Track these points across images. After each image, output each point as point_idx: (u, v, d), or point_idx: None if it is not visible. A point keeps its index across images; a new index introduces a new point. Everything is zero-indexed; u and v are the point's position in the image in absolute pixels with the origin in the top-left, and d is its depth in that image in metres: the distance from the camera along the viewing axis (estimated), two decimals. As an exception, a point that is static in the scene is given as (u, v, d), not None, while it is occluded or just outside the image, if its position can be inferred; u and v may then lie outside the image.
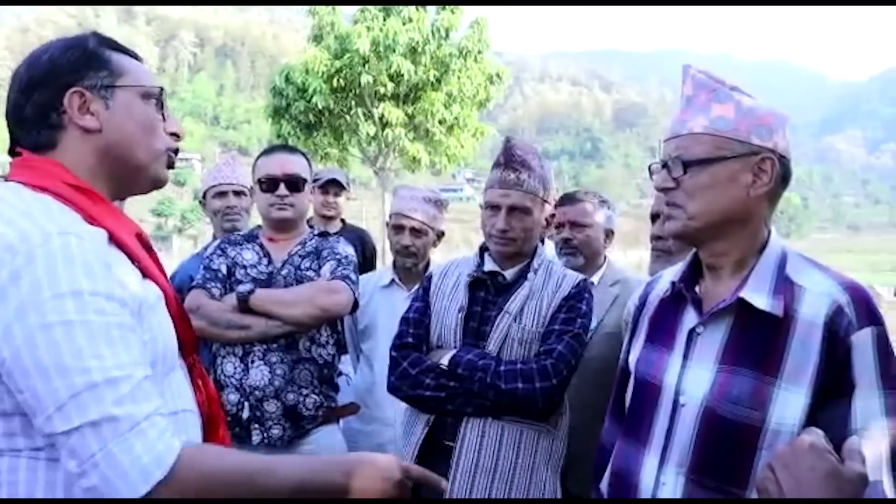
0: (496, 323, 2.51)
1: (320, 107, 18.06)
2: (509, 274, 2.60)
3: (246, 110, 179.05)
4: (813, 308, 1.56)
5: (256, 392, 2.77)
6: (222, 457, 1.35)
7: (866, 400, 1.49)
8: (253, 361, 2.79)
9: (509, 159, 2.58)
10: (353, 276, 2.92)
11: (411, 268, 3.51)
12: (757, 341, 1.59)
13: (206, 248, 3.70)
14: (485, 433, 2.42)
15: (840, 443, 1.37)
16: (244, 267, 2.93)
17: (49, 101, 1.41)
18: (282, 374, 2.79)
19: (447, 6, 18.02)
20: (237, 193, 3.72)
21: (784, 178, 1.68)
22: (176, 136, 1.58)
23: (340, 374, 3.48)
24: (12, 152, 1.47)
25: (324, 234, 3.10)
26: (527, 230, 2.57)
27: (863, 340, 1.51)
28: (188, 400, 1.53)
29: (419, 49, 17.84)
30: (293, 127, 18.67)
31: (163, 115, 1.54)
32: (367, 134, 18.80)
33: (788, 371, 1.54)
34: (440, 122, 18.69)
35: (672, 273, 1.89)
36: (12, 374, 1.21)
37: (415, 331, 2.61)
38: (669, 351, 1.75)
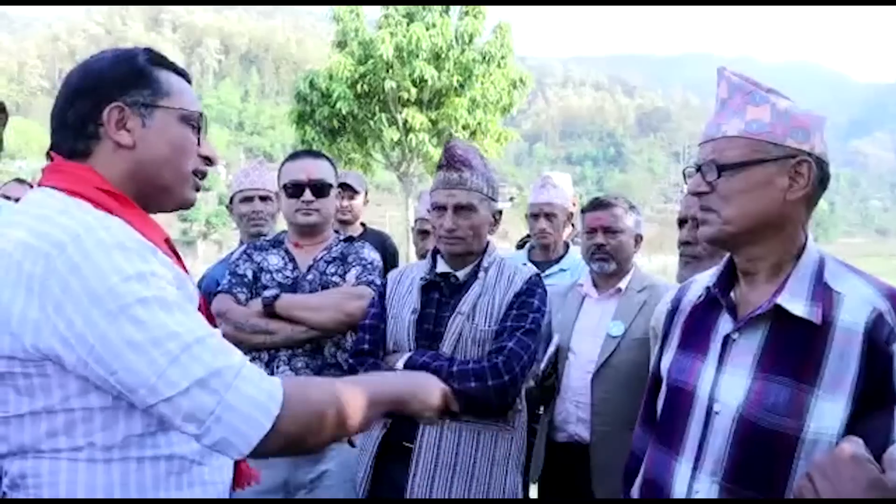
0: (449, 323, 2.54)
1: (344, 112, 18.15)
2: (461, 274, 2.64)
3: (270, 116, 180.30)
4: (852, 315, 1.53)
5: (282, 397, 2.75)
6: (315, 384, 1.49)
7: None
8: (278, 366, 2.78)
9: (451, 160, 2.61)
10: (378, 282, 2.90)
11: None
12: (794, 349, 1.56)
13: (232, 254, 3.72)
14: (443, 434, 2.46)
15: (881, 454, 1.34)
16: (270, 272, 2.93)
17: (89, 112, 1.44)
18: (307, 379, 2.78)
19: (470, 12, 18.03)
20: (263, 199, 3.73)
21: (822, 182, 1.63)
22: (209, 160, 1.60)
23: None
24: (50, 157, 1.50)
25: (349, 240, 3.10)
26: (474, 227, 2.60)
27: None
28: None
29: (443, 54, 17.89)
30: (317, 132, 18.77)
31: (198, 138, 1.56)
32: (391, 139, 18.87)
33: (827, 379, 1.50)
34: (463, 128, 18.71)
35: (706, 278, 1.85)
36: (102, 357, 1.24)
37: (371, 336, 2.64)
38: (703, 357, 1.71)
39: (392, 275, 2.80)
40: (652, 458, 1.83)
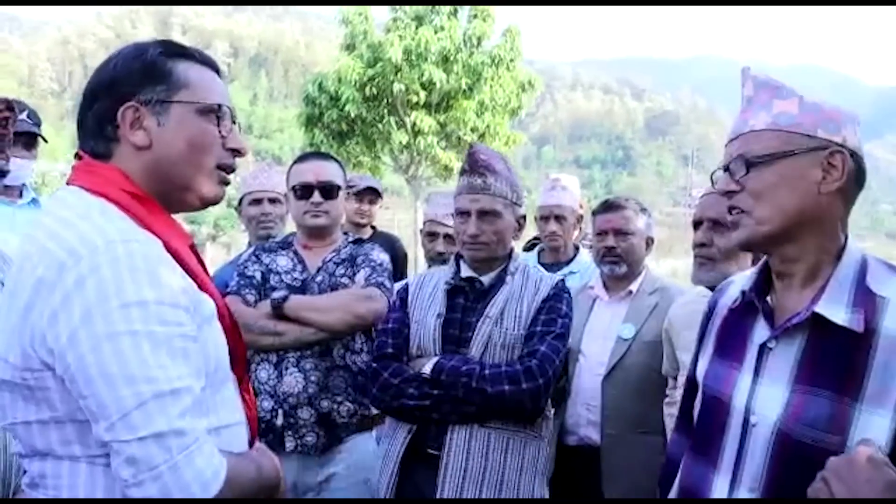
0: (477, 327, 2.52)
1: (353, 115, 18.15)
2: (486, 279, 2.62)
3: (279, 119, 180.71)
4: None
5: (290, 399, 2.75)
6: (245, 466, 1.42)
7: None
8: (287, 368, 2.77)
9: (474, 165, 2.60)
10: (387, 283, 2.90)
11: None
12: (835, 359, 1.47)
13: (240, 256, 3.72)
14: (471, 440, 2.42)
15: None
16: (279, 273, 2.92)
17: (105, 114, 1.41)
18: (316, 381, 2.77)
19: (479, 15, 18.03)
20: (272, 201, 3.73)
21: (858, 178, 1.55)
22: (237, 152, 1.54)
23: None
24: (78, 155, 1.48)
25: (358, 241, 3.09)
26: (498, 233, 2.58)
27: None
28: (240, 413, 1.54)
29: (451, 57, 17.87)
30: (326, 135, 18.78)
31: (221, 130, 1.50)
32: (399, 142, 18.86)
33: (871, 391, 1.41)
34: (472, 131, 18.69)
35: (742, 280, 1.76)
36: (76, 379, 1.22)
37: (394, 341, 2.61)
38: (739, 366, 1.63)
39: (413, 279, 2.79)
40: (688, 467, 1.76)
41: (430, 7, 18.19)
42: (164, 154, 1.43)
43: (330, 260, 2.95)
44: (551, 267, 3.83)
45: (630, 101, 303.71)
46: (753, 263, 2.21)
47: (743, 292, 1.69)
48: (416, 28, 17.84)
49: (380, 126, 18.89)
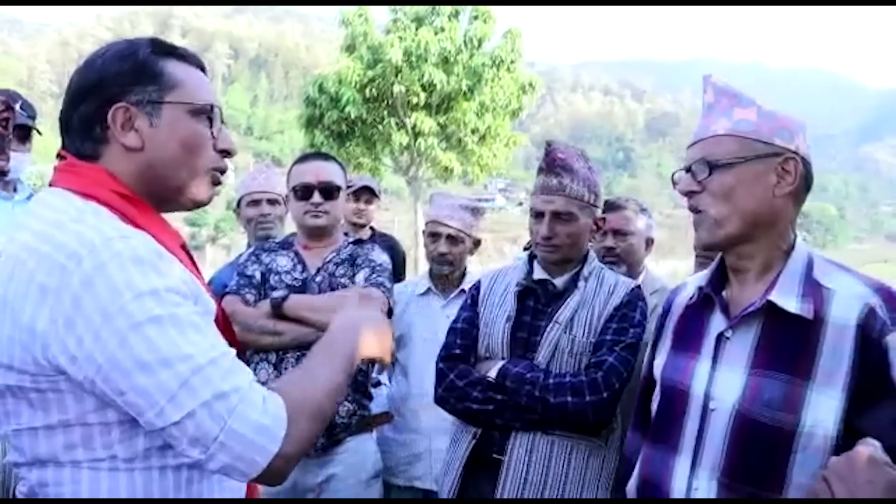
0: (546, 333, 2.45)
1: (353, 116, 18.16)
2: (559, 282, 2.55)
3: (279, 121, 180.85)
4: (844, 310, 1.57)
5: (290, 399, 2.74)
6: (302, 385, 1.38)
7: None
8: (286, 368, 2.77)
9: (551, 164, 2.53)
10: (387, 284, 2.89)
11: (448, 275, 3.47)
12: (787, 344, 1.60)
13: (240, 257, 3.71)
14: (534, 447, 2.37)
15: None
16: (278, 273, 2.92)
17: (94, 114, 1.37)
18: (315, 381, 2.76)
19: (480, 17, 18.04)
20: (271, 202, 3.72)
21: (807, 182, 1.68)
22: (227, 153, 1.52)
23: (379, 383, 3.45)
24: (60, 155, 1.45)
25: (358, 242, 3.08)
26: (572, 236, 2.51)
27: None
28: None
29: (452, 59, 17.88)
30: (326, 137, 18.79)
31: (212, 131, 1.48)
32: (400, 143, 18.87)
33: (821, 373, 1.54)
34: (472, 132, 18.71)
35: (698, 279, 1.88)
36: (110, 377, 1.20)
37: (462, 341, 2.57)
38: (697, 356, 1.75)
39: (486, 277, 2.73)
40: (648, 457, 1.84)
41: (430, 8, 18.21)
42: (157, 156, 1.40)
43: (330, 260, 2.95)
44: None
45: (630, 103, 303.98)
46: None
47: (699, 288, 1.82)
48: (417, 29, 17.87)
49: (380, 127, 18.91)
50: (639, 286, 2.59)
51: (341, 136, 18.94)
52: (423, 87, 17.96)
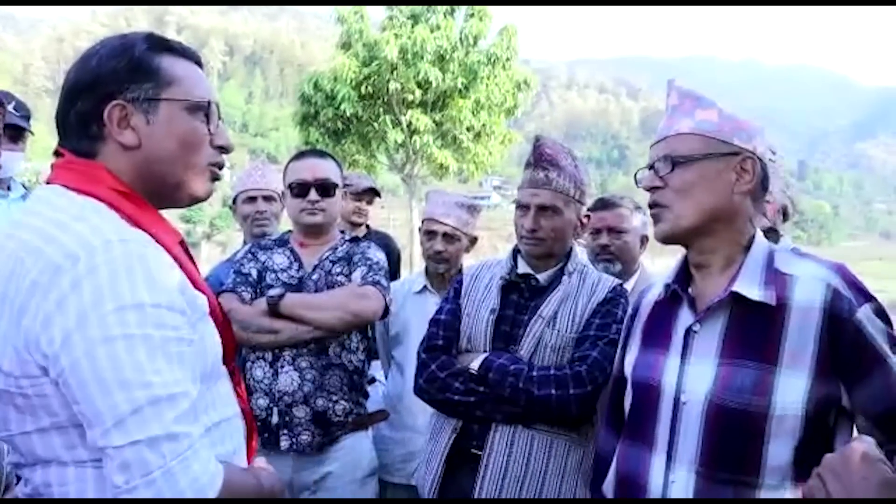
0: (529, 327, 2.46)
1: (348, 114, 18.13)
2: (543, 277, 2.56)
3: (275, 118, 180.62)
4: (807, 294, 1.62)
5: (286, 397, 2.75)
6: (244, 476, 1.41)
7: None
8: (282, 366, 2.77)
9: (538, 158, 2.55)
10: (384, 282, 2.89)
11: (444, 273, 3.47)
12: (754, 333, 1.65)
13: (235, 254, 3.70)
14: (514, 441, 2.37)
15: (886, 414, 1.52)
16: (275, 271, 2.91)
17: (90, 112, 1.36)
18: (311, 379, 2.77)
19: (475, 14, 18.02)
20: (267, 199, 3.72)
21: (763, 181, 1.75)
22: (223, 149, 1.52)
23: (374, 380, 3.45)
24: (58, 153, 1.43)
25: (355, 240, 3.08)
26: (557, 230, 2.52)
27: (866, 316, 1.58)
28: (235, 406, 1.53)
29: (447, 56, 17.86)
30: (321, 134, 18.76)
31: (209, 127, 1.47)
32: (395, 141, 18.84)
33: (787, 357, 1.60)
34: (468, 130, 18.69)
35: (663, 278, 1.94)
36: (69, 383, 1.19)
37: (445, 333, 2.57)
38: (666, 352, 1.79)
39: (469, 271, 2.73)
40: (623, 454, 1.87)
41: (426, 6, 18.17)
42: (155, 153, 1.39)
43: (326, 258, 2.95)
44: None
45: (626, 101, 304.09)
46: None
47: (666, 285, 1.87)
48: (412, 27, 17.83)
49: (375, 125, 18.88)
50: (621, 284, 2.61)
51: (337, 134, 18.91)
52: (419, 85, 17.93)
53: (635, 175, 1.87)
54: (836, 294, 1.59)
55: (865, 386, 1.56)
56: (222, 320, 1.53)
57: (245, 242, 3.71)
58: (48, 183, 1.38)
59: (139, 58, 1.39)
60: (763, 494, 1.59)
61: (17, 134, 3.54)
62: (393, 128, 18.69)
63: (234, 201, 3.84)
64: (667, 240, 1.79)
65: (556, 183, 2.51)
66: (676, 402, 1.71)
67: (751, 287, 1.66)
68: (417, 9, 18.26)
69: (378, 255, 2.98)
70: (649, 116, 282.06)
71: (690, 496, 1.65)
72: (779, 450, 1.58)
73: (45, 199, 1.35)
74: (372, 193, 4.60)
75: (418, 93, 18.05)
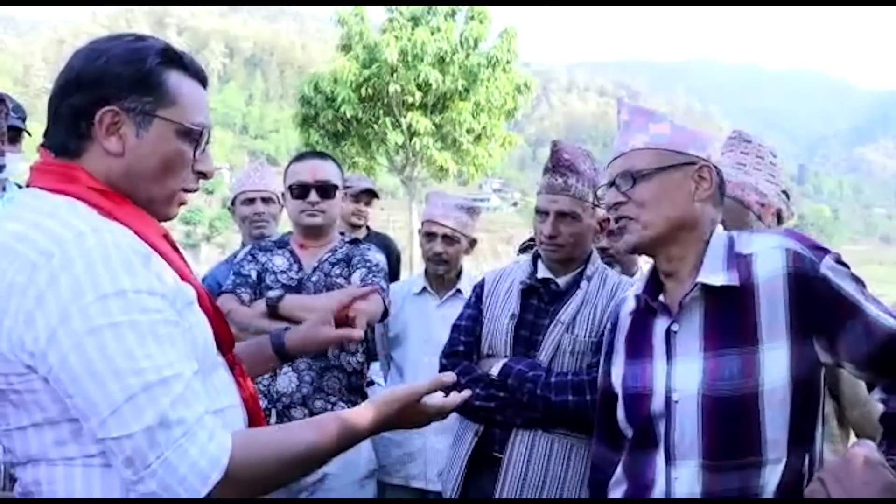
0: (548, 332, 2.47)
1: (348, 116, 18.16)
2: (562, 281, 2.57)
3: (275, 120, 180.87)
4: (769, 264, 1.67)
5: (283, 399, 2.75)
6: (265, 442, 1.35)
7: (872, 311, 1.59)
8: (280, 368, 2.75)
9: (556, 164, 2.55)
10: (383, 284, 2.89)
11: (443, 275, 3.47)
12: (731, 319, 1.68)
13: (234, 255, 3.70)
14: (534, 446, 2.38)
15: (880, 344, 1.54)
16: (274, 273, 2.91)
17: (83, 109, 1.34)
18: (309, 381, 2.77)
19: (476, 17, 18.04)
20: (265, 200, 3.72)
21: (721, 187, 1.80)
22: (204, 175, 1.50)
23: (372, 383, 3.45)
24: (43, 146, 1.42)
25: (355, 241, 3.08)
26: (575, 235, 2.52)
27: (830, 267, 1.62)
28: (233, 396, 1.51)
29: (447, 59, 17.88)
30: (321, 136, 18.78)
31: (195, 153, 1.45)
32: (395, 143, 18.86)
33: (765, 332, 1.64)
34: (468, 132, 18.71)
35: (635, 289, 1.97)
36: (60, 379, 1.19)
37: (466, 338, 2.59)
38: (650, 358, 1.81)
39: (490, 276, 2.74)
40: (630, 461, 1.88)
41: (426, 8, 18.21)
42: (135, 166, 1.37)
43: (326, 260, 2.94)
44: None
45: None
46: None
47: (637, 297, 1.90)
48: (413, 29, 17.85)
49: (375, 127, 18.90)
50: None
51: (336, 136, 18.93)
52: (419, 87, 17.95)
53: (595, 191, 1.92)
54: (795, 256, 1.64)
55: (847, 333, 1.59)
56: (213, 310, 1.51)
57: (243, 244, 3.71)
58: (27, 186, 1.37)
59: (149, 70, 1.36)
60: (768, 470, 1.61)
61: (16, 136, 3.56)
62: (393, 130, 18.71)
63: (233, 202, 3.84)
64: (634, 249, 1.83)
65: (575, 189, 2.51)
66: (668, 402, 1.73)
67: (714, 274, 1.70)
68: (418, 11, 18.28)
69: (378, 257, 2.98)
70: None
71: (697, 491, 1.66)
72: (775, 423, 1.62)
73: (22, 202, 1.34)
74: (370, 195, 4.61)
75: (418, 95, 18.07)
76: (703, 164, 1.75)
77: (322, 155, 3.17)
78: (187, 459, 1.20)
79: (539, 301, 2.56)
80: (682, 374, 1.72)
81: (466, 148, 19.00)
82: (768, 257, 1.68)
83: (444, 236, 3.42)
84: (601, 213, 2.59)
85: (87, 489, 1.26)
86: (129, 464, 1.19)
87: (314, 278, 2.90)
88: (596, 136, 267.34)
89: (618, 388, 1.91)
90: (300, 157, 3.12)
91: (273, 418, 2.74)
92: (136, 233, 1.33)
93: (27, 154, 3.77)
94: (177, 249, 1.48)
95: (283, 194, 3.06)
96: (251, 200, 3.72)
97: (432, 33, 17.76)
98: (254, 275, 2.92)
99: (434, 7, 18.15)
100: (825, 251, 1.66)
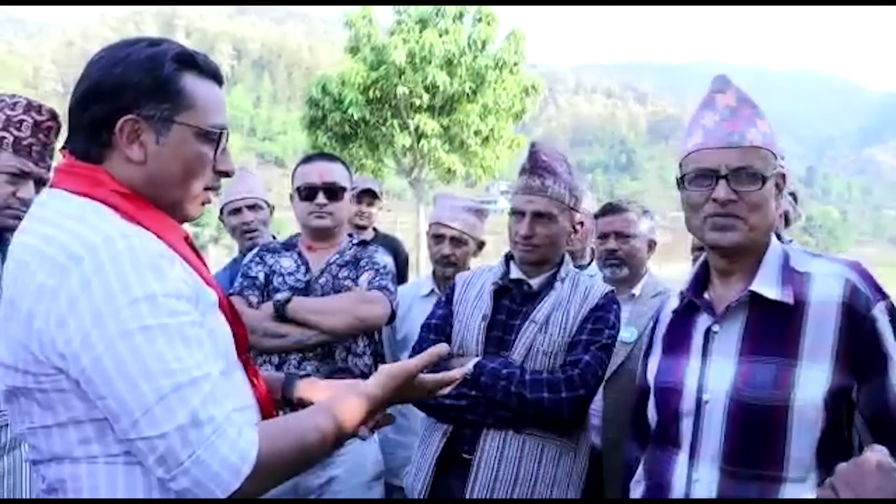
0: (521, 332, 2.47)
1: (356, 118, 18.14)
2: (535, 282, 2.57)
3: (282, 122, 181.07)
4: (825, 290, 1.65)
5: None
6: (286, 430, 1.38)
7: None
8: (288, 370, 2.76)
9: (534, 165, 2.55)
10: (391, 286, 2.89)
11: (451, 277, 3.46)
12: (773, 330, 1.67)
13: (234, 262, 3.71)
14: (505, 446, 2.37)
15: (884, 411, 1.55)
16: (282, 275, 2.91)
17: (104, 118, 1.36)
18: (317, 383, 2.76)
19: (483, 19, 18.03)
20: (252, 207, 3.71)
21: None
22: (225, 174, 1.53)
23: None
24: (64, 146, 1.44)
25: (363, 243, 3.08)
26: (551, 237, 2.53)
27: (882, 313, 1.61)
28: (248, 397, 1.54)
29: (455, 61, 17.86)
30: (329, 138, 18.76)
31: (216, 153, 1.47)
32: (403, 145, 18.84)
33: (807, 351, 1.62)
34: (475, 134, 18.69)
35: (680, 286, 1.96)
36: (92, 380, 1.22)
37: (436, 337, 2.57)
38: (687, 354, 1.80)
39: (462, 276, 2.75)
40: (650, 459, 1.89)
41: (434, 10, 18.19)
42: (157, 172, 1.40)
43: (333, 262, 2.94)
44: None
45: (633, 106, 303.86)
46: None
47: (681, 294, 1.90)
48: (421, 31, 17.84)
49: (383, 129, 18.89)
50: (612, 291, 2.61)
51: (344, 138, 18.92)
52: (427, 89, 17.94)
53: (683, 177, 1.78)
54: (853, 289, 1.62)
55: (868, 383, 1.59)
56: (231, 311, 1.54)
57: (240, 252, 3.71)
58: (52, 187, 1.40)
59: (166, 77, 1.38)
60: (788, 488, 1.60)
61: None
62: (400, 132, 18.69)
63: (221, 212, 3.82)
64: (733, 249, 1.75)
65: (552, 190, 2.52)
66: (699, 402, 1.72)
67: (769, 287, 1.68)
68: (426, 13, 18.27)
69: (385, 260, 2.98)
70: (657, 121, 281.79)
71: (714, 494, 1.66)
72: (802, 442, 1.60)
73: (45, 203, 1.37)
74: (370, 195, 4.58)
75: (426, 97, 18.05)
76: (782, 170, 1.73)
77: (330, 157, 3.18)
78: (218, 456, 1.23)
79: (511, 302, 2.56)
80: (714, 375, 1.72)
81: (474, 150, 18.98)
82: (826, 283, 1.66)
83: (452, 238, 3.42)
84: (577, 215, 2.61)
85: (110, 487, 1.29)
86: (162, 462, 1.22)
87: (322, 280, 2.89)
88: (603, 138, 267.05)
89: (651, 383, 1.91)
90: (308, 160, 3.12)
91: (281, 421, 2.73)
92: (158, 236, 1.36)
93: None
94: (197, 253, 1.51)
95: (290, 196, 3.06)
96: (237, 210, 3.70)
97: (440, 35, 17.74)
98: (261, 277, 2.92)
99: (442, 9, 18.13)
100: (884, 295, 1.64)
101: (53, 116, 2.26)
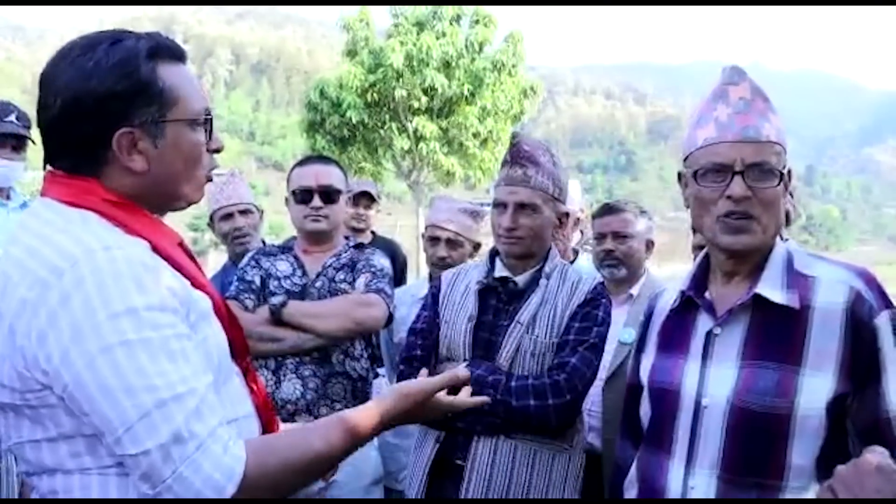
0: (507, 334, 2.41)
1: (354, 121, 18.20)
2: (521, 279, 2.51)
3: (281, 126, 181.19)
4: (830, 296, 1.61)
5: (288, 406, 2.73)
6: (279, 449, 1.35)
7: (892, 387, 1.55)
8: (285, 375, 2.75)
9: (515, 156, 2.50)
10: (388, 290, 2.87)
11: (447, 279, 3.45)
12: (776, 335, 1.62)
13: (223, 270, 3.71)
14: (496, 452, 2.33)
15: (875, 420, 1.52)
16: (278, 278, 2.90)
17: (96, 136, 1.31)
18: (314, 387, 2.75)
19: (481, 21, 18.07)
20: (243, 213, 3.69)
21: None
22: (217, 150, 1.51)
23: (378, 375, 3.42)
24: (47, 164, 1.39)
25: (359, 246, 3.06)
26: (535, 228, 2.46)
27: (885, 322, 1.57)
28: (247, 405, 1.51)
29: (453, 63, 17.93)
30: (328, 141, 18.82)
31: (207, 137, 1.46)
32: (401, 148, 18.89)
33: (811, 358, 1.58)
34: (474, 136, 18.74)
35: (677, 284, 1.90)
36: (75, 397, 1.20)
37: (423, 342, 2.54)
38: (685, 356, 1.75)
39: (446, 276, 2.68)
40: (643, 461, 1.84)
41: (431, 13, 18.24)
42: (162, 173, 1.38)
43: (330, 265, 2.93)
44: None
45: (632, 107, 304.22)
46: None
47: (681, 292, 1.82)
48: (418, 34, 17.90)
49: (381, 132, 18.95)
50: (602, 282, 2.55)
51: (343, 141, 18.97)
52: (425, 92, 17.99)
53: (696, 172, 1.70)
54: (858, 297, 1.58)
55: (862, 391, 1.56)
56: (228, 316, 1.52)
57: (231, 259, 3.69)
58: (42, 195, 1.36)
59: (146, 79, 1.33)
60: (788, 496, 1.57)
61: (19, 143, 3.58)
62: (399, 135, 18.74)
63: (211, 218, 3.80)
64: (745, 251, 1.69)
65: (535, 180, 2.45)
66: (697, 406, 1.68)
67: (773, 290, 1.64)
68: (423, 16, 18.32)
69: (382, 262, 2.97)
70: (656, 122, 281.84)
71: None
72: (803, 450, 1.56)
73: (35, 213, 1.34)
74: (367, 198, 4.56)
75: (424, 100, 18.11)
76: (788, 168, 1.68)
77: (325, 159, 3.16)
78: (201, 474, 1.20)
79: (497, 301, 2.51)
80: (715, 379, 1.67)
81: (473, 152, 19.02)
82: (831, 288, 1.62)
83: (448, 240, 3.41)
84: (561, 207, 2.55)
85: (103, 497, 1.27)
86: (146, 479, 1.20)
87: (318, 284, 2.88)
88: (602, 139, 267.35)
89: (644, 381, 1.87)
90: (303, 162, 3.10)
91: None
92: (151, 243, 1.33)
93: (31, 162, 3.79)
94: (192, 257, 1.48)
95: (285, 199, 3.05)
96: (229, 216, 3.69)
97: (438, 38, 17.80)
98: (257, 280, 2.90)
99: (439, 12, 18.17)
100: (889, 304, 1.61)
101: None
